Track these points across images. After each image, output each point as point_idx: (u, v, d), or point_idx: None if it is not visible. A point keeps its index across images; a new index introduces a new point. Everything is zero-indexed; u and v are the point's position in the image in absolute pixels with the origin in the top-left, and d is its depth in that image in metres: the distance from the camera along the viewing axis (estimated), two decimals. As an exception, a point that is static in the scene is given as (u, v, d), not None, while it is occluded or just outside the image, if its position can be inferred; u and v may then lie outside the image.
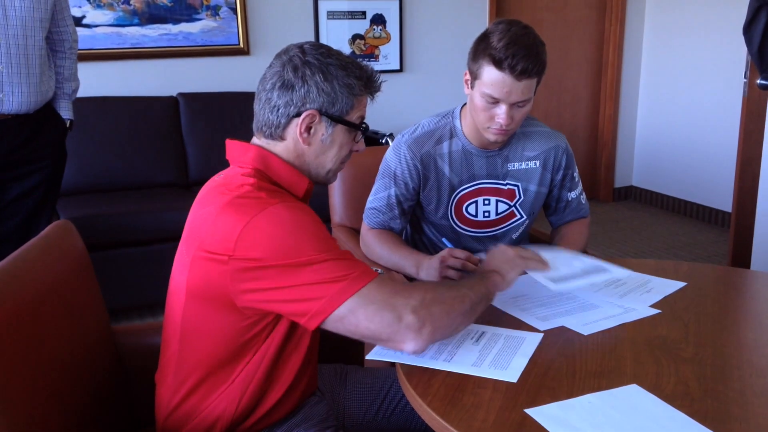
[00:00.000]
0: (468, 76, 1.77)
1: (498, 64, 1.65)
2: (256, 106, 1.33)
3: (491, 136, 1.79)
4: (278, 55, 1.32)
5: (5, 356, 1.11)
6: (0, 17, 2.31)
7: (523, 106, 1.73)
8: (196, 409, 1.29)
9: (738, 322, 1.53)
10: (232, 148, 1.35)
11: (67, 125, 2.70)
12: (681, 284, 1.65)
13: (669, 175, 5.16)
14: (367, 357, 1.32)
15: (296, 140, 1.29)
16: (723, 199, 4.69)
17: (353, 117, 1.32)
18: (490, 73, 1.68)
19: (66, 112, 2.69)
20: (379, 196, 1.93)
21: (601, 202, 5.38)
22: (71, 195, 3.55)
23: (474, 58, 1.72)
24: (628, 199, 5.53)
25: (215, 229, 1.19)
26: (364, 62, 1.35)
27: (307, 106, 1.27)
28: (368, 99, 1.35)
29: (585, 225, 2.03)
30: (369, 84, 1.33)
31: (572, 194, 2.00)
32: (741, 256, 3.62)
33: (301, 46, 1.30)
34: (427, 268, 1.71)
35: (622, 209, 5.24)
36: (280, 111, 1.28)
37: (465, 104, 1.90)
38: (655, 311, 1.49)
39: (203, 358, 1.27)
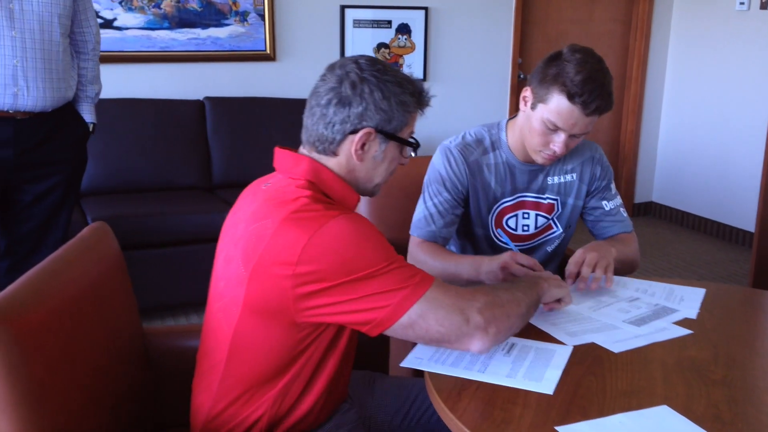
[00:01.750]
0: (529, 95, 1.75)
1: (571, 97, 1.64)
2: (308, 120, 1.32)
3: (540, 159, 1.79)
4: (331, 69, 1.31)
5: (46, 354, 1.13)
6: (17, 11, 2.29)
7: (581, 137, 1.73)
8: (236, 415, 1.30)
9: (766, 346, 1.52)
10: (283, 157, 1.34)
11: (90, 129, 2.67)
12: (702, 291, 1.72)
13: (690, 192, 5.14)
14: (401, 364, 1.32)
15: (349, 156, 1.30)
16: (745, 218, 4.66)
17: (405, 133, 1.33)
18: (559, 103, 1.66)
19: (89, 115, 2.66)
20: (428, 204, 1.88)
21: (621, 217, 5.35)
22: (96, 195, 3.59)
23: (542, 82, 1.69)
24: (648, 215, 5.51)
25: (276, 244, 1.18)
26: (414, 77, 1.36)
27: (364, 123, 1.27)
28: (417, 113, 1.36)
29: (633, 239, 1.97)
30: (421, 99, 1.34)
31: (609, 204, 1.96)
32: (763, 276, 3.59)
33: (357, 62, 1.29)
34: (487, 271, 1.67)
35: (641, 225, 5.22)
36: (335, 127, 1.28)
37: (512, 118, 1.90)
38: (687, 331, 1.49)
39: (252, 371, 1.28)
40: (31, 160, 2.45)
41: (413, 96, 1.31)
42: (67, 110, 2.57)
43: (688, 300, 1.66)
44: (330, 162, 1.32)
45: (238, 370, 1.29)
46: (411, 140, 1.36)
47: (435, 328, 1.21)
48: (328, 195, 1.30)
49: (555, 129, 1.70)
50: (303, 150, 1.36)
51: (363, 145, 1.29)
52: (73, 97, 2.59)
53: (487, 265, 1.68)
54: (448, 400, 1.20)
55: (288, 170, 1.32)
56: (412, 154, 1.40)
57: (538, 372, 1.28)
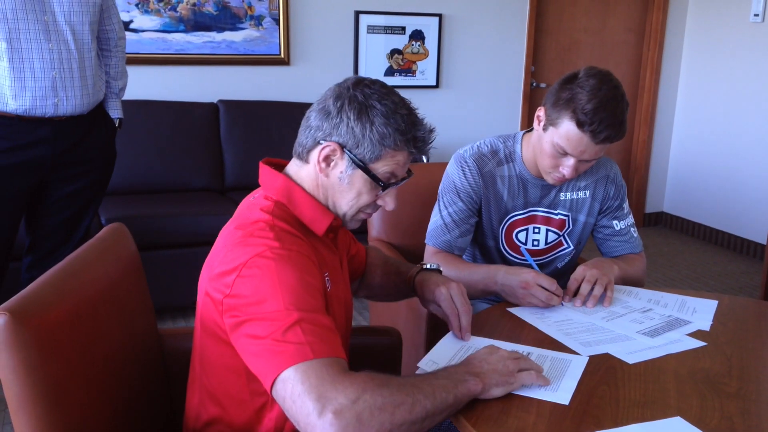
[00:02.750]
0: (542, 115, 1.74)
1: (580, 125, 1.62)
2: (302, 123, 1.33)
3: (550, 180, 1.79)
4: (338, 83, 1.30)
5: (64, 353, 1.14)
6: (51, 23, 2.34)
7: (591, 162, 1.73)
8: (222, 427, 1.30)
9: (780, 359, 1.52)
10: (264, 173, 1.34)
11: (117, 124, 2.72)
12: (714, 302, 1.72)
13: (701, 203, 5.13)
14: (418, 364, 1.33)
15: (316, 167, 1.28)
16: (756, 230, 4.64)
17: (378, 168, 1.26)
18: (569, 129, 1.65)
19: (115, 111, 2.71)
20: (443, 213, 1.88)
21: (631, 226, 5.34)
22: (110, 195, 3.61)
23: (555, 105, 1.67)
24: (659, 225, 5.49)
25: (221, 265, 1.20)
26: (425, 122, 1.29)
27: (333, 137, 1.25)
28: (406, 157, 1.29)
29: (640, 260, 1.96)
30: (413, 143, 1.27)
31: (620, 224, 1.95)
32: (774, 289, 3.58)
33: (360, 80, 1.27)
34: (503, 284, 1.65)
35: (652, 235, 5.21)
36: (310, 132, 1.28)
37: (527, 131, 1.89)
38: (701, 343, 1.49)
39: (218, 386, 1.29)
40: (68, 159, 2.51)
41: (401, 134, 1.24)
42: (99, 109, 2.63)
43: (701, 312, 1.66)
44: (303, 172, 1.31)
45: (209, 386, 1.30)
46: (380, 178, 1.26)
47: (289, 402, 1.06)
48: (298, 217, 1.28)
49: (564, 153, 1.69)
50: (292, 160, 1.35)
51: (327, 159, 1.26)
52: None
53: (503, 277, 1.67)
54: (463, 408, 1.20)
55: (265, 187, 1.33)
56: (390, 205, 1.31)
57: (554, 382, 1.28)
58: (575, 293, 1.67)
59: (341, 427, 1.02)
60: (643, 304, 1.69)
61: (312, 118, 1.28)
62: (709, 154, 5.04)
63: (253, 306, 1.14)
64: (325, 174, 1.28)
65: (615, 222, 1.95)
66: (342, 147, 1.25)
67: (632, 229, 1.98)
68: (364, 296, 1.74)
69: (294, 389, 1.06)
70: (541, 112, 1.75)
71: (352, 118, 1.24)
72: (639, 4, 5.12)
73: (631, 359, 1.39)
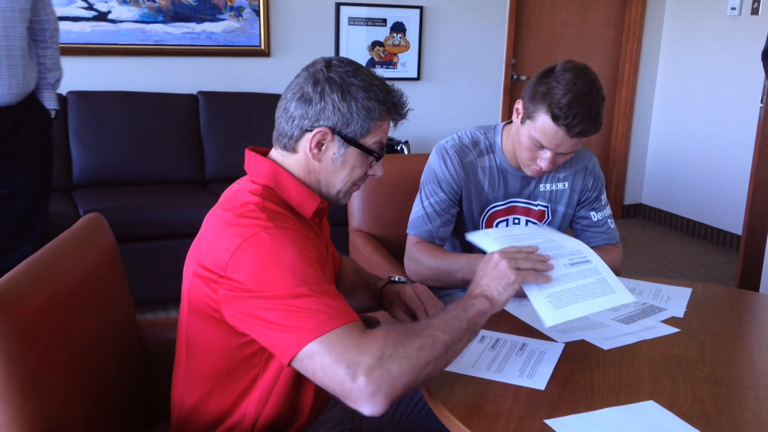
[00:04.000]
0: (520, 109, 1.76)
1: (555, 119, 1.64)
2: (276, 114, 1.32)
3: (528, 172, 1.81)
4: (306, 67, 1.30)
5: (42, 343, 1.14)
6: None
7: (568, 155, 1.75)
8: (208, 417, 1.32)
9: (752, 345, 1.55)
10: (250, 159, 1.35)
11: (52, 115, 2.65)
12: (688, 290, 1.75)
13: (679, 195, 5.19)
14: None
15: (307, 155, 1.28)
16: (732, 221, 4.71)
17: (369, 141, 1.29)
18: (544, 123, 1.67)
19: (50, 102, 2.64)
20: (425, 203, 1.90)
21: (610, 218, 5.40)
22: (88, 187, 3.59)
23: (532, 98, 1.70)
24: (637, 217, 5.55)
25: (212, 246, 1.20)
26: (395, 86, 1.32)
27: (321, 122, 1.25)
28: (390, 124, 1.32)
29: (617, 250, 1.99)
30: (393, 110, 1.29)
31: (598, 215, 1.97)
32: (749, 278, 3.64)
33: (329, 61, 1.28)
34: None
35: (630, 226, 5.26)
36: (294, 122, 1.27)
37: (508, 123, 1.91)
38: (674, 330, 1.52)
39: (206, 369, 1.30)
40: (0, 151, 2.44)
41: (382, 104, 1.27)
42: (30, 100, 2.56)
43: (675, 299, 1.69)
44: (290, 160, 1.31)
45: (196, 367, 1.31)
46: (373, 150, 1.30)
47: (320, 374, 1.10)
48: (285, 201, 1.29)
49: (541, 147, 1.71)
50: (272, 151, 1.35)
51: (319, 145, 1.27)
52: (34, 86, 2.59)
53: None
54: (440, 393, 1.22)
55: (252, 173, 1.33)
56: (379, 172, 1.34)
57: (529, 368, 1.30)
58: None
59: (375, 385, 1.07)
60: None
61: (292, 108, 1.28)
62: (686, 146, 5.10)
63: (257, 284, 1.14)
64: (317, 159, 1.29)
65: (593, 213, 1.97)
66: (332, 130, 1.26)
67: (609, 220, 2.00)
68: None
69: (323, 361, 1.09)
70: (519, 105, 1.76)
71: (336, 99, 1.24)
72: (618, -2, 5.16)
73: (605, 345, 1.42)
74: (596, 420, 1.15)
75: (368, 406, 1.09)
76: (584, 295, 1.32)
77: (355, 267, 1.71)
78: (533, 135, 1.70)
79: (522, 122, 1.75)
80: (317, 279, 1.17)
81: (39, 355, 1.13)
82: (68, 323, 1.23)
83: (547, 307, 1.28)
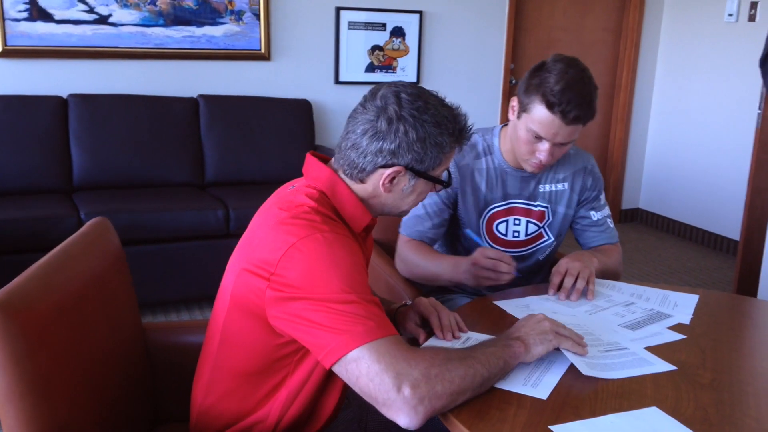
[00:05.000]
0: (516, 104, 1.78)
1: (550, 107, 1.67)
2: (343, 143, 1.32)
3: (528, 168, 1.83)
4: (372, 97, 1.30)
5: (51, 346, 1.15)
6: None
7: (566, 145, 1.77)
8: (231, 414, 1.33)
9: (753, 351, 1.56)
10: (310, 163, 1.36)
11: None
12: (695, 297, 1.75)
13: (676, 200, 5.21)
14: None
15: (377, 186, 1.31)
16: (729, 227, 4.73)
17: (438, 171, 1.33)
18: (540, 113, 1.69)
19: None
20: (419, 205, 1.94)
21: (608, 223, 5.42)
22: (89, 189, 3.59)
23: (526, 91, 1.73)
24: (635, 222, 5.57)
25: (265, 244, 1.22)
26: (458, 109, 1.34)
27: (396, 160, 1.28)
28: (455, 151, 1.35)
29: (617, 251, 2.01)
30: (459, 137, 1.33)
31: (597, 215, 2.00)
32: (747, 284, 3.66)
33: (398, 95, 1.27)
34: (464, 270, 1.72)
35: (628, 231, 5.28)
36: (367, 158, 1.29)
37: (505, 125, 1.93)
38: (680, 336, 1.52)
39: (238, 366, 1.31)
40: None
41: (452, 135, 1.30)
42: None
43: (682, 306, 1.69)
44: (355, 186, 1.33)
45: (226, 362, 1.32)
46: (442, 179, 1.35)
47: (365, 380, 1.13)
48: (338, 210, 1.31)
49: (539, 138, 1.73)
50: (333, 164, 1.36)
51: (392, 179, 1.30)
52: None
53: (464, 265, 1.73)
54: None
55: (309, 177, 1.35)
56: (441, 191, 1.42)
57: (535, 377, 1.30)
58: (559, 287, 1.71)
59: (418, 399, 1.11)
60: (626, 297, 1.73)
61: (364, 143, 1.28)
62: (684, 151, 5.12)
63: (307, 284, 1.16)
64: (388, 191, 1.32)
65: (592, 213, 2.00)
66: (406, 167, 1.29)
67: (609, 220, 2.03)
68: None
69: (370, 368, 1.12)
70: (514, 102, 1.80)
71: (411, 138, 1.26)
72: (616, 4, 5.18)
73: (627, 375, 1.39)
74: (600, 426, 1.16)
75: (407, 418, 1.12)
76: (620, 366, 1.37)
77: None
78: (530, 127, 1.73)
79: (518, 117, 1.78)
80: (366, 288, 1.19)
81: (47, 359, 1.14)
82: (76, 327, 1.24)
83: (582, 364, 1.33)
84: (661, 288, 1.82)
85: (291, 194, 1.31)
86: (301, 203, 1.26)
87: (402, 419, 1.12)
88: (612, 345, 1.46)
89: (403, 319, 1.53)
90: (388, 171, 1.29)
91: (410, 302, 1.60)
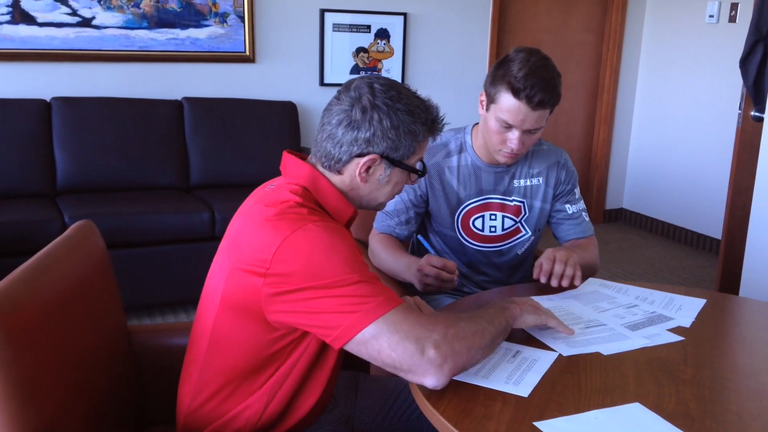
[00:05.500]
0: (484, 98, 1.84)
1: (516, 93, 1.72)
2: (318, 136, 1.35)
3: (501, 158, 1.86)
4: (346, 90, 1.34)
5: (38, 348, 1.15)
6: None
7: (535, 132, 1.81)
8: (217, 413, 1.33)
9: (733, 347, 1.59)
10: (288, 161, 1.38)
11: None
12: (702, 301, 1.75)
13: (659, 200, 5.26)
14: None
15: (353, 177, 1.34)
16: (712, 226, 4.78)
17: (413, 160, 1.36)
18: (507, 100, 1.74)
19: None
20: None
21: (592, 223, 5.45)
22: (73, 193, 3.58)
23: (492, 82, 1.79)
24: (618, 221, 5.62)
25: (255, 242, 1.23)
26: (429, 101, 1.38)
27: (371, 149, 1.31)
28: (429, 140, 1.38)
29: (593, 244, 2.05)
30: (432, 127, 1.36)
31: (572, 208, 2.04)
32: (729, 282, 3.70)
33: (371, 86, 1.31)
34: (413, 273, 1.77)
35: (612, 231, 5.33)
36: (343, 148, 1.31)
37: (477, 123, 1.97)
38: (678, 338, 1.52)
39: (228, 365, 1.31)
40: None
41: (424, 125, 1.34)
42: None
43: (686, 309, 1.68)
44: (334, 178, 1.36)
45: (216, 363, 1.32)
46: (417, 167, 1.38)
47: (387, 352, 1.17)
48: (321, 205, 1.33)
49: (508, 127, 1.78)
50: (311, 159, 1.39)
51: (368, 169, 1.33)
52: None
53: (413, 269, 1.77)
54: (430, 396, 1.24)
55: (289, 175, 1.37)
56: (416, 181, 1.43)
57: (517, 375, 1.32)
58: (550, 275, 1.74)
59: (443, 358, 1.17)
60: (630, 300, 1.73)
61: (339, 134, 1.31)
62: (666, 151, 5.17)
63: (308, 274, 1.18)
64: (364, 181, 1.34)
65: (567, 206, 2.04)
66: (381, 155, 1.32)
67: (584, 213, 2.07)
68: None
69: (390, 339, 1.17)
70: (482, 96, 1.85)
71: (386, 126, 1.29)
72: (598, 5, 5.23)
73: (605, 350, 1.44)
74: (584, 422, 1.18)
75: (434, 378, 1.18)
76: (598, 341, 1.47)
77: None
78: (499, 116, 1.77)
79: (487, 109, 1.82)
80: (365, 267, 1.23)
81: (34, 362, 1.14)
82: (62, 329, 1.24)
83: (563, 346, 1.44)
84: (669, 291, 1.81)
85: (274, 192, 1.32)
86: (286, 199, 1.28)
87: (429, 380, 1.18)
88: (592, 322, 1.57)
89: None
90: (364, 159, 1.31)
91: None
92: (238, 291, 1.25)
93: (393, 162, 1.33)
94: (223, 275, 1.29)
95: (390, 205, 1.96)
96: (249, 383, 1.31)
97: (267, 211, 1.26)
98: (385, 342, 1.17)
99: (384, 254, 1.94)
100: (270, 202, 1.28)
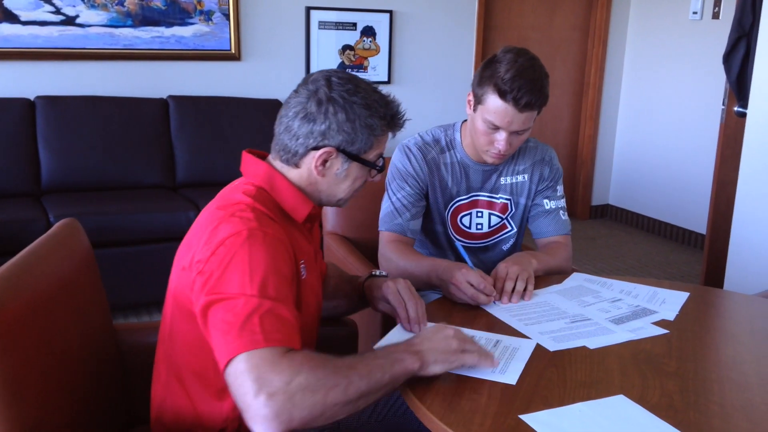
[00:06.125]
0: (471, 98, 1.82)
1: (502, 95, 1.71)
2: (277, 129, 1.35)
3: (489, 159, 1.86)
4: (305, 83, 1.33)
5: (22, 347, 1.14)
6: None
7: (522, 133, 1.80)
8: (187, 412, 1.33)
9: (717, 340, 1.60)
10: (246, 161, 1.38)
11: None
12: (685, 294, 1.76)
13: (645, 196, 5.29)
14: (375, 347, 1.36)
15: (311, 170, 1.33)
16: (697, 221, 4.82)
17: (371, 155, 1.35)
18: (493, 102, 1.74)
19: None
20: (393, 199, 1.93)
21: (578, 219, 5.49)
22: (58, 192, 3.56)
23: (479, 83, 1.77)
24: (605, 217, 5.65)
25: (201, 243, 1.23)
26: (391, 97, 1.37)
27: (326, 141, 1.30)
28: (388, 136, 1.37)
29: (565, 245, 2.01)
30: (392, 123, 1.35)
31: (550, 203, 2.01)
32: (714, 276, 3.73)
33: (328, 78, 1.31)
34: (439, 281, 1.68)
35: (598, 227, 5.36)
36: (299, 141, 1.31)
37: (466, 120, 1.96)
38: (662, 331, 1.54)
39: (184, 363, 1.31)
40: None
41: (382, 119, 1.33)
42: None
43: (670, 303, 1.70)
44: (291, 173, 1.35)
45: (176, 360, 1.33)
46: (376, 163, 1.37)
47: (234, 386, 1.09)
48: (279, 204, 1.32)
49: (496, 128, 1.77)
50: (271, 156, 1.38)
51: (324, 162, 1.32)
52: None
53: (442, 272, 1.68)
54: (417, 390, 1.24)
55: (247, 174, 1.36)
56: (378, 178, 1.42)
57: (502, 363, 1.33)
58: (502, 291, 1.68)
59: (273, 410, 1.05)
60: (614, 294, 1.74)
61: (295, 126, 1.31)
62: (651, 148, 5.21)
63: (220, 285, 1.16)
64: (321, 174, 1.33)
65: (545, 201, 2.01)
66: (337, 148, 1.31)
67: (561, 211, 2.03)
68: None
69: (237, 369, 1.09)
70: (470, 96, 1.83)
71: (341, 119, 1.29)
72: (584, 3, 5.25)
73: (591, 344, 1.45)
74: (568, 414, 1.19)
75: (261, 428, 1.06)
76: (584, 335, 1.48)
77: (339, 271, 1.75)
78: (486, 117, 1.76)
79: (474, 110, 1.81)
80: (277, 296, 1.16)
81: (17, 361, 1.13)
82: (47, 328, 1.24)
83: (549, 341, 1.44)
84: (651, 284, 1.83)
85: (229, 192, 1.32)
86: (237, 201, 1.27)
87: (257, 428, 1.06)
88: (577, 317, 1.58)
89: (372, 298, 1.54)
90: (319, 152, 1.30)
91: (378, 273, 1.61)
92: (183, 291, 1.25)
93: (350, 156, 1.32)
94: (175, 275, 1.29)
95: (397, 203, 1.91)
96: (208, 382, 1.30)
97: (218, 213, 1.25)
98: (232, 372, 1.10)
99: (402, 261, 1.83)
100: (222, 204, 1.28)
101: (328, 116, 1.29)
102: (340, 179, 1.35)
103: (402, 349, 1.23)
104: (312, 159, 1.32)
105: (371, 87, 1.34)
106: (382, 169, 1.40)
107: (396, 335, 1.45)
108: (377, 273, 1.62)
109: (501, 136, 1.78)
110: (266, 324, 1.12)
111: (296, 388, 1.07)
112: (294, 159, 1.33)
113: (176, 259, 1.33)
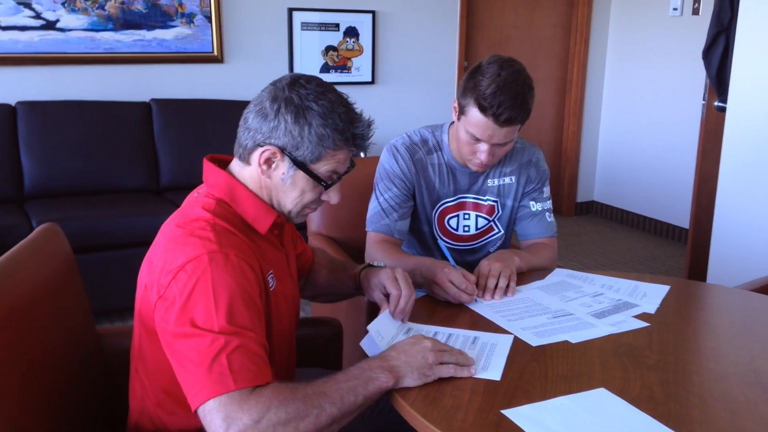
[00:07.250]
0: (456, 106, 1.81)
1: (483, 110, 1.69)
2: (240, 122, 1.33)
3: (473, 167, 1.87)
4: (273, 82, 1.30)
5: (2, 352, 1.13)
6: None
7: (506, 145, 1.79)
8: (163, 423, 1.32)
9: (697, 332, 1.62)
10: (207, 170, 1.34)
11: None
12: (666, 287, 1.78)
13: (629, 192, 5.33)
14: (368, 327, 1.38)
15: (257, 168, 1.29)
16: (680, 216, 4.86)
17: (320, 168, 1.28)
18: (475, 116, 1.72)
19: None
20: (380, 200, 1.93)
21: (564, 216, 5.52)
22: (41, 198, 3.53)
23: (463, 94, 1.76)
24: (590, 214, 5.68)
25: (160, 263, 1.20)
26: (363, 117, 1.30)
27: (272, 140, 1.25)
28: (346, 154, 1.30)
29: (550, 246, 2.02)
30: (352, 140, 1.29)
31: (537, 205, 2.01)
32: (697, 270, 3.76)
33: (295, 79, 1.27)
34: (423, 278, 1.68)
35: (583, 223, 5.39)
36: (249, 134, 1.28)
37: (453, 122, 1.95)
38: (643, 324, 1.55)
39: (155, 381, 1.30)
40: None
41: (339, 133, 1.26)
42: None
43: (651, 296, 1.71)
44: (245, 172, 1.32)
45: (149, 377, 1.32)
46: (323, 179, 1.29)
47: (205, 423, 1.10)
48: (241, 215, 1.29)
49: (477, 140, 1.76)
50: (233, 162, 1.35)
51: (269, 162, 1.28)
52: None
53: (426, 271, 1.69)
54: (400, 388, 1.25)
55: (208, 185, 1.33)
56: (334, 200, 1.34)
57: (483, 361, 1.34)
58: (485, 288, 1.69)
59: None
60: (595, 289, 1.75)
61: (250, 119, 1.28)
62: (634, 144, 5.24)
63: (185, 315, 1.14)
64: (267, 175, 1.29)
65: (532, 203, 2.01)
66: (282, 150, 1.26)
67: (548, 213, 2.04)
68: (308, 296, 1.75)
69: (206, 409, 1.10)
70: (455, 104, 1.82)
71: (289, 121, 1.24)
72: (565, 0, 5.28)
73: (573, 338, 1.46)
74: (550, 408, 1.19)
75: None
76: (566, 330, 1.50)
77: (329, 258, 1.73)
78: (468, 129, 1.76)
79: (458, 119, 1.81)
80: (245, 323, 1.15)
81: (-1, 366, 1.12)
82: (27, 333, 1.23)
83: (532, 337, 1.45)
84: (632, 279, 1.84)
85: (189, 206, 1.29)
86: (197, 217, 1.24)
87: None
88: (559, 312, 1.59)
89: (368, 287, 1.53)
90: (262, 149, 1.26)
91: (376, 263, 1.59)
92: (148, 312, 1.24)
93: (295, 162, 1.27)
94: (139, 292, 1.28)
95: (384, 203, 1.91)
96: (179, 396, 1.26)
97: (176, 232, 1.22)
98: (201, 410, 1.10)
99: (387, 260, 1.82)
100: (181, 222, 1.24)
101: (279, 115, 1.24)
102: (286, 186, 1.29)
103: (376, 365, 1.23)
104: (257, 155, 1.27)
105: (343, 101, 1.29)
106: (328, 186, 1.31)
107: (389, 319, 1.46)
108: (375, 263, 1.61)
109: (483, 148, 1.77)
110: (235, 363, 1.11)
111: (266, 426, 1.08)
112: (244, 154, 1.30)
113: (140, 275, 1.30)
